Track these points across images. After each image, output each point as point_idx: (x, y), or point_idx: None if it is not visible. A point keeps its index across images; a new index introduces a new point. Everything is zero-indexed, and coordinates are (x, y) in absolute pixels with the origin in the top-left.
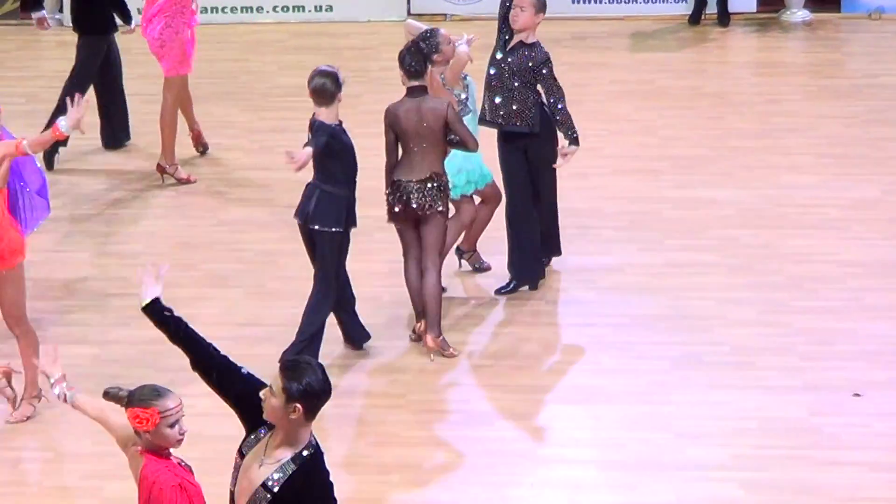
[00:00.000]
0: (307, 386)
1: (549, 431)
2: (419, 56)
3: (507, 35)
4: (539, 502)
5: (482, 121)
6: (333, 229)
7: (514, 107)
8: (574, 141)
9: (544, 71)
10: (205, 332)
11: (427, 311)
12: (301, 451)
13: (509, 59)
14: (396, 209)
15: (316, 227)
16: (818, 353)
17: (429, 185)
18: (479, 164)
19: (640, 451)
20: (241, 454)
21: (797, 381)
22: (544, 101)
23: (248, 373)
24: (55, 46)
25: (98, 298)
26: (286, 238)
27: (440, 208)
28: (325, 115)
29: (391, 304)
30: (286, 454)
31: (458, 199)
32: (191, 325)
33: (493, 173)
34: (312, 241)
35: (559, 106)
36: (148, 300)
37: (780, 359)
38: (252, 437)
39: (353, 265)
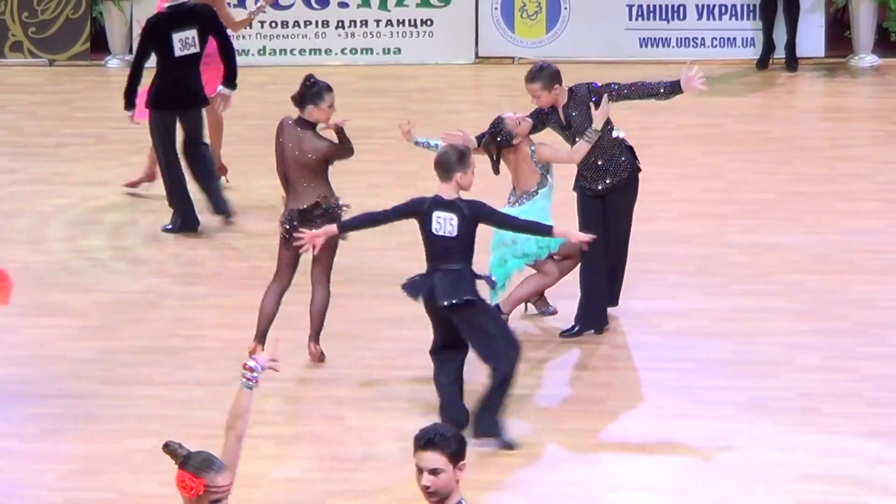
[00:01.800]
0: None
1: (613, 476)
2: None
3: (552, 120)
4: None
5: (588, 190)
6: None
7: (600, 163)
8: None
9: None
10: (268, 374)
11: (313, 323)
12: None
13: (573, 126)
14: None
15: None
16: (885, 399)
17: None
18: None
19: (704, 498)
20: None
21: (863, 428)
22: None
23: None
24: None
25: (164, 339)
26: (352, 280)
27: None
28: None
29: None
30: None
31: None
32: None
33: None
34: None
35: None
36: None
37: (847, 405)
38: None
39: (414, 309)
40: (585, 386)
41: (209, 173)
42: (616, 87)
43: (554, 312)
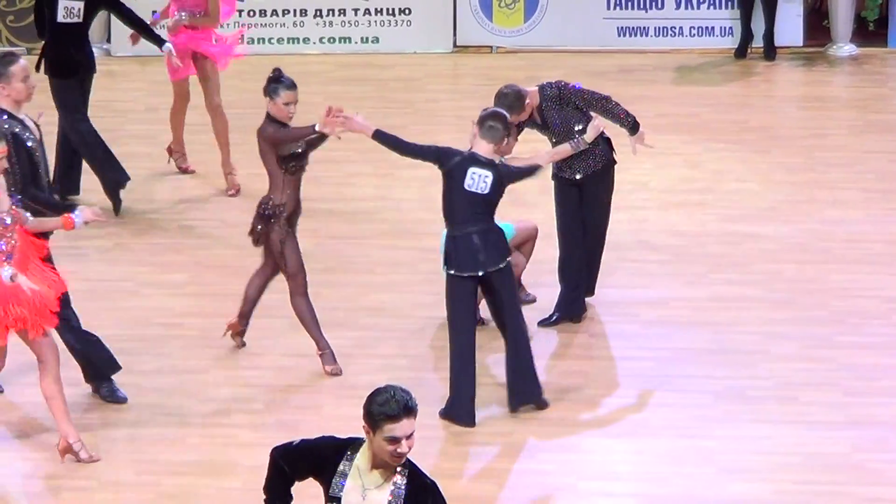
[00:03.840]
0: (366, 407)
1: (591, 465)
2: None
3: (529, 123)
4: None
5: (565, 180)
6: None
7: (580, 154)
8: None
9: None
10: (248, 363)
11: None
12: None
13: (550, 125)
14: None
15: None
16: (862, 388)
17: (258, 210)
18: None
19: (682, 486)
20: (335, 498)
21: (841, 417)
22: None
23: (287, 452)
24: (102, 76)
25: (142, 327)
26: (330, 269)
27: (272, 235)
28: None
29: (436, 336)
30: (388, 470)
31: None
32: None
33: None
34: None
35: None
36: None
37: (824, 394)
38: (335, 481)
39: (399, 296)
40: (563, 374)
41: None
42: (588, 93)
43: (532, 300)
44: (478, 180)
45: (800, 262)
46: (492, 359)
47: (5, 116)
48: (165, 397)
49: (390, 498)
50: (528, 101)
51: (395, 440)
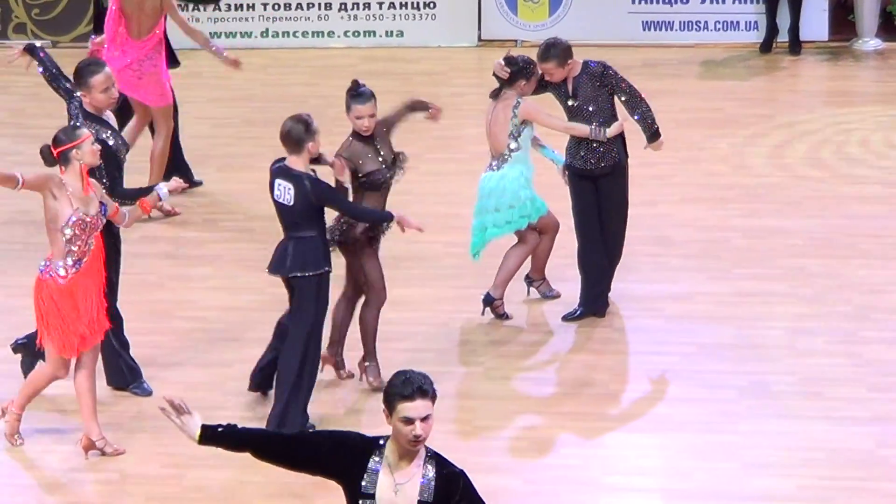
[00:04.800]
0: (384, 390)
1: (615, 460)
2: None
3: (558, 88)
4: None
5: (576, 168)
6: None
7: (588, 143)
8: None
9: (612, 72)
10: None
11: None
12: (424, 452)
13: (578, 97)
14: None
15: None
16: (887, 384)
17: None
18: (530, 197)
19: (706, 481)
20: (368, 495)
21: (865, 412)
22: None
23: (305, 436)
24: None
25: (166, 320)
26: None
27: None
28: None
29: (460, 330)
30: (416, 462)
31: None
32: (241, 426)
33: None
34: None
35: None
36: (198, 432)
37: (849, 389)
38: (365, 478)
39: (422, 291)
40: (587, 370)
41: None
42: (629, 86)
43: (557, 296)
44: (283, 192)
45: (825, 257)
46: (514, 352)
47: (90, 122)
48: (189, 390)
49: (421, 489)
50: (571, 62)
51: (409, 420)
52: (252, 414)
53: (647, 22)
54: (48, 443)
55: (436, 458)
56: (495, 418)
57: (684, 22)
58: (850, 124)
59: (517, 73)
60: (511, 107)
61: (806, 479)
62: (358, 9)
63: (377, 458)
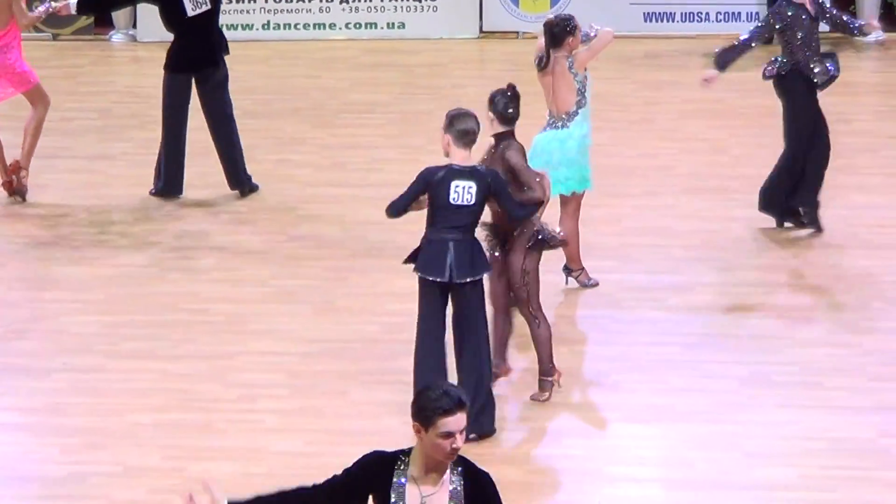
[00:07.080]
0: (417, 404)
1: (617, 450)
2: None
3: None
4: None
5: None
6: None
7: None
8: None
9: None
10: (273, 349)
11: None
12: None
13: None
14: None
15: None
16: (888, 373)
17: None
18: (585, 166)
19: (707, 471)
20: None
21: (866, 402)
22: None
23: (333, 479)
24: (129, 62)
25: (168, 312)
26: (357, 254)
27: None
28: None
29: None
30: (441, 473)
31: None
32: (271, 493)
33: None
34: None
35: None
36: None
37: (849, 379)
38: (392, 494)
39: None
40: (589, 360)
41: (231, 145)
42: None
43: (595, 285)
44: (462, 192)
45: (825, 246)
46: (515, 342)
47: None
48: (191, 383)
49: (450, 500)
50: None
51: (449, 434)
52: (254, 406)
53: (648, 13)
54: (49, 435)
55: (462, 464)
56: (496, 409)
57: (685, 13)
58: (850, 115)
59: (561, 32)
60: (566, 68)
61: (807, 468)
62: (359, 1)
63: (402, 473)
